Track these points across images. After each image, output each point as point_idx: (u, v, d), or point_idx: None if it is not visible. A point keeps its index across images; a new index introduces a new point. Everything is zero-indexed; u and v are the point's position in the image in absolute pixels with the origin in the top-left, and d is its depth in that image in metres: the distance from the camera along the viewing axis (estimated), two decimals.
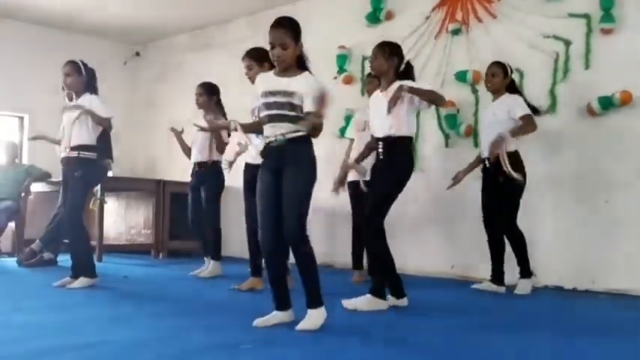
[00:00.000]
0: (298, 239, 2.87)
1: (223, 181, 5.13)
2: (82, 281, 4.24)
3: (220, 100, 5.12)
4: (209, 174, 5.03)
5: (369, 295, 3.51)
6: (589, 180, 4.60)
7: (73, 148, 4.28)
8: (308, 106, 2.84)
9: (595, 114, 4.56)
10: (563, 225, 4.70)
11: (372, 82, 4.62)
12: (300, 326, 2.84)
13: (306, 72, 2.95)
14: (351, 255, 5.03)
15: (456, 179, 4.52)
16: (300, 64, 2.96)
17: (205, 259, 5.20)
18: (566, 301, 4.18)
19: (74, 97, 4.42)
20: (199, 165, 5.05)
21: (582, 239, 4.59)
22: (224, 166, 4.65)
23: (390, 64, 3.63)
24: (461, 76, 5.27)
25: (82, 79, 4.35)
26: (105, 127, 4.37)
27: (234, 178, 5.23)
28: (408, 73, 3.68)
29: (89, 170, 4.32)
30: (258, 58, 4.02)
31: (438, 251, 5.37)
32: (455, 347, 2.67)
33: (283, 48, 2.88)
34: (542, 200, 4.77)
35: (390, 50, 3.64)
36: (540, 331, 3.05)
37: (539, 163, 4.78)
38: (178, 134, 5.18)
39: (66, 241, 5.76)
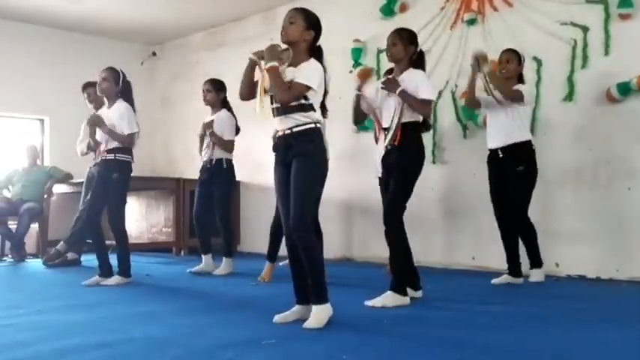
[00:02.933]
0: (300, 230, 2.85)
1: (234, 178, 5.13)
2: (117, 279, 4.39)
3: (226, 97, 5.12)
4: (219, 172, 5.02)
5: (390, 292, 3.46)
6: (610, 167, 4.54)
7: (109, 151, 4.37)
8: (300, 79, 2.84)
9: (614, 100, 4.50)
10: (584, 213, 4.65)
11: None
12: (306, 325, 2.83)
13: (313, 59, 2.94)
14: None
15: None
16: (311, 53, 2.96)
17: (203, 256, 5.11)
18: (590, 290, 4.14)
19: (105, 101, 4.50)
20: (211, 162, 5.05)
21: (605, 227, 4.54)
22: None
23: (407, 52, 3.62)
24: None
25: (117, 87, 4.43)
26: (125, 145, 4.42)
27: (253, 175, 5.29)
28: (420, 61, 3.67)
29: (126, 172, 4.44)
30: None
31: (458, 243, 5.35)
32: (478, 340, 2.66)
33: (290, 22, 2.92)
34: (563, 189, 4.72)
35: (408, 37, 3.64)
36: (566, 322, 3.03)
37: (559, 153, 4.73)
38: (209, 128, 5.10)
39: (89, 241, 5.85)
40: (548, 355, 2.40)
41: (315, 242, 2.92)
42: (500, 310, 3.38)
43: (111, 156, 4.38)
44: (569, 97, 4.73)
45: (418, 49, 3.69)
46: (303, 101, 2.88)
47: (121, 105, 4.42)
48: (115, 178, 4.36)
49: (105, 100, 4.51)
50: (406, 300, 3.47)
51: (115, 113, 4.39)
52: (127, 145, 4.42)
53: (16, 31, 7.32)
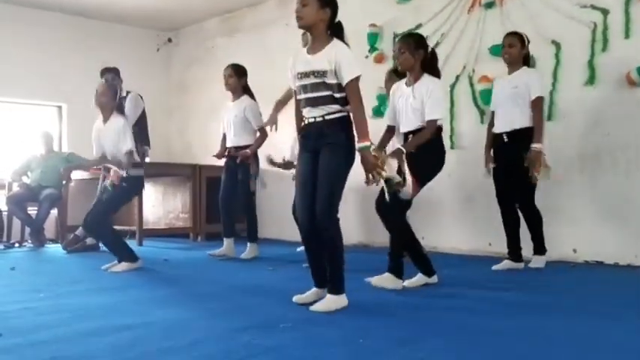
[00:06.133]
0: (327, 220, 2.84)
1: (258, 163, 5.17)
2: (124, 265, 4.42)
3: (247, 82, 5.14)
4: (254, 153, 5.05)
5: (388, 274, 3.49)
6: (629, 152, 4.48)
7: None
8: (346, 75, 2.80)
9: (634, 84, 4.43)
10: (602, 199, 4.60)
11: (392, 79, 4.52)
12: (314, 307, 2.85)
13: (334, 40, 2.88)
14: None
15: (489, 167, 4.38)
16: (331, 32, 2.91)
17: (225, 239, 5.12)
18: (608, 276, 4.10)
19: (102, 115, 4.63)
20: (236, 149, 5.08)
21: (623, 213, 4.49)
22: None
23: (417, 58, 3.56)
24: (495, 50, 5.15)
25: (114, 103, 4.61)
26: (131, 162, 4.52)
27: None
28: (432, 62, 3.63)
29: (134, 185, 4.56)
30: None
31: (475, 229, 5.32)
32: (493, 325, 2.66)
33: (303, 4, 2.83)
34: (581, 174, 4.67)
35: (415, 43, 3.58)
36: (581, 308, 3.02)
37: (576, 137, 4.68)
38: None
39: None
40: (563, 340, 2.39)
41: (340, 234, 2.90)
42: (515, 296, 3.37)
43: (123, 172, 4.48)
44: (591, 81, 4.65)
45: (429, 50, 3.63)
46: (335, 94, 2.85)
47: (118, 120, 4.55)
48: (121, 188, 4.43)
49: (100, 111, 4.61)
50: (400, 284, 3.48)
51: (112, 129, 4.52)
52: (131, 162, 4.51)
53: (33, 19, 7.38)
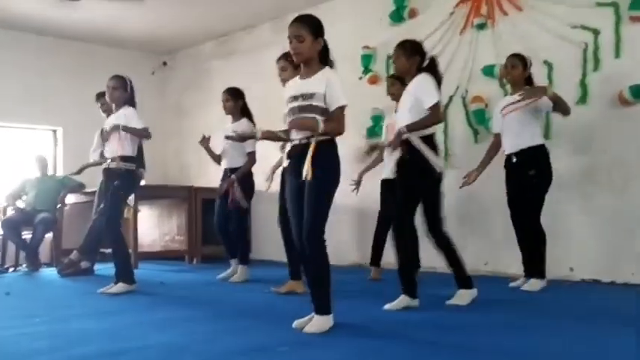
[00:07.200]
0: (312, 241, 2.86)
1: (253, 185, 5.16)
2: (120, 287, 4.36)
3: (246, 103, 5.17)
4: (239, 179, 5.05)
5: (403, 296, 3.49)
6: (623, 170, 4.51)
7: (112, 159, 4.42)
8: (334, 102, 2.85)
9: (627, 103, 4.48)
10: (597, 217, 4.62)
11: (395, 85, 4.59)
12: (308, 329, 2.84)
13: (326, 67, 2.95)
14: (371, 250, 5.04)
15: (469, 179, 4.42)
16: (322, 60, 2.97)
17: (232, 261, 5.20)
18: (605, 294, 4.10)
19: (114, 108, 4.56)
20: (231, 171, 5.09)
21: (618, 231, 4.51)
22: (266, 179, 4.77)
23: (412, 62, 3.59)
24: (488, 71, 5.23)
25: (127, 94, 4.51)
26: (144, 137, 4.51)
27: (265, 184, 5.29)
28: (432, 68, 3.63)
29: (127, 179, 4.45)
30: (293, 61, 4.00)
31: (470, 248, 5.32)
32: (492, 345, 2.65)
33: (299, 41, 2.89)
34: (575, 193, 4.70)
35: (411, 48, 3.61)
36: (577, 326, 3.01)
37: (571, 156, 4.71)
38: (206, 143, 5.23)
39: (103, 250, 5.89)
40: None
41: (326, 254, 2.90)
42: (514, 314, 3.36)
43: (113, 164, 4.43)
44: (583, 100, 4.70)
45: (428, 56, 3.66)
46: (319, 117, 2.87)
47: (127, 109, 4.48)
48: (115, 185, 4.39)
49: (113, 107, 4.57)
50: (416, 302, 3.48)
51: (120, 116, 4.44)
52: (144, 136, 4.47)
53: (28, 43, 7.42)
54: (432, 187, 3.60)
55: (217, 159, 5.28)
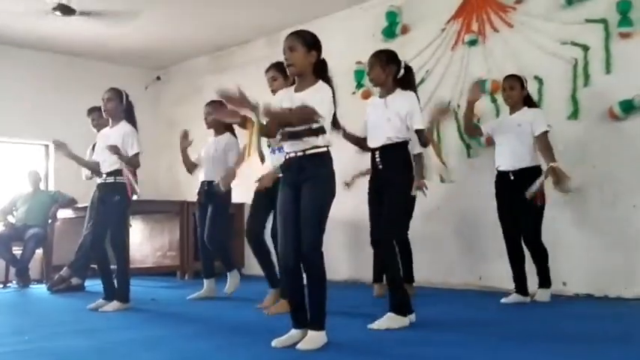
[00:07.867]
0: (313, 253, 2.84)
1: (231, 196, 5.08)
2: (115, 305, 4.32)
3: None
4: (216, 193, 4.88)
5: (391, 314, 3.37)
6: (615, 185, 4.53)
7: (109, 174, 4.38)
8: (324, 114, 2.84)
9: (617, 118, 4.51)
10: (590, 231, 4.63)
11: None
12: (301, 346, 2.79)
13: (320, 81, 2.95)
14: (373, 267, 4.98)
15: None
16: (318, 74, 2.97)
17: (205, 280, 5.07)
18: (598, 309, 4.10)
19: (110, 122, 4.51)
20: (209, 184, 4.99)
21: (611, 245, 4.51)
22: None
23: (388, 73, 3.56)
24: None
25: (122, 107, 4.46)
26: (131, 166, 4.42)
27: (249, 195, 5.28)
28: (407, 77, 3.61)
29: (125, 194, 4.42)
30: (284, 70, 3.86)
31: (464, 262, 5.32)
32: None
33: (291, 50, 2.91)
34: (568, 208, 4.70)
35: (386, 58, 3.58)
36: (571, 341, 3.00)
37: (564, 170, 4.71)
38: (186, 143, 5.11)
39: (93, 266, 5.84)
40: None
41: (324, 269, 2.88)
42: (507, 329, 3.35)
43: (111, 179, 4.39)
44: (574, 115, 4.73)
45: (403, 66, 3.60)
46: (313, 125, 2.85)
47: (125, 126, 4.43)
48: (115, 201, 4.36)
49: (109, 120, 4.52)
50: (407, 321, 3.39)
51: (117, 133, 4.39)
52: (132, 165, 4.42)
53: (20, 58, 7.41)
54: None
55: (191, 167, 5.17)
